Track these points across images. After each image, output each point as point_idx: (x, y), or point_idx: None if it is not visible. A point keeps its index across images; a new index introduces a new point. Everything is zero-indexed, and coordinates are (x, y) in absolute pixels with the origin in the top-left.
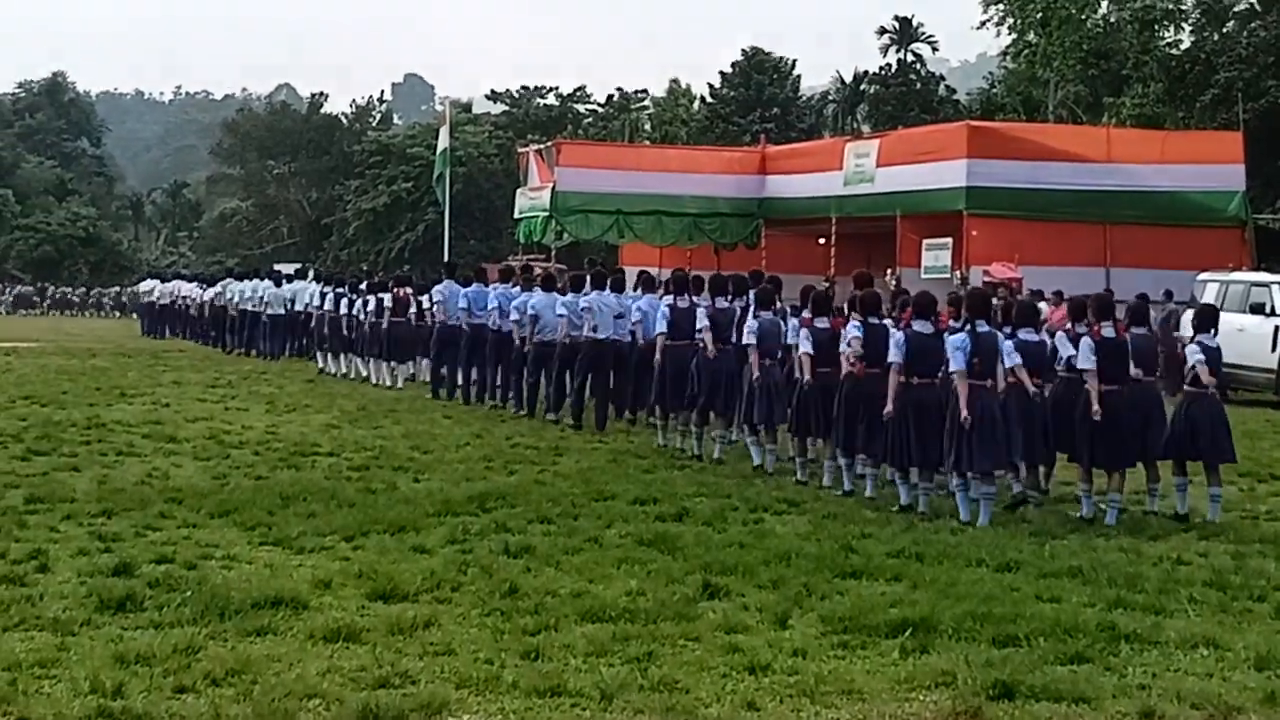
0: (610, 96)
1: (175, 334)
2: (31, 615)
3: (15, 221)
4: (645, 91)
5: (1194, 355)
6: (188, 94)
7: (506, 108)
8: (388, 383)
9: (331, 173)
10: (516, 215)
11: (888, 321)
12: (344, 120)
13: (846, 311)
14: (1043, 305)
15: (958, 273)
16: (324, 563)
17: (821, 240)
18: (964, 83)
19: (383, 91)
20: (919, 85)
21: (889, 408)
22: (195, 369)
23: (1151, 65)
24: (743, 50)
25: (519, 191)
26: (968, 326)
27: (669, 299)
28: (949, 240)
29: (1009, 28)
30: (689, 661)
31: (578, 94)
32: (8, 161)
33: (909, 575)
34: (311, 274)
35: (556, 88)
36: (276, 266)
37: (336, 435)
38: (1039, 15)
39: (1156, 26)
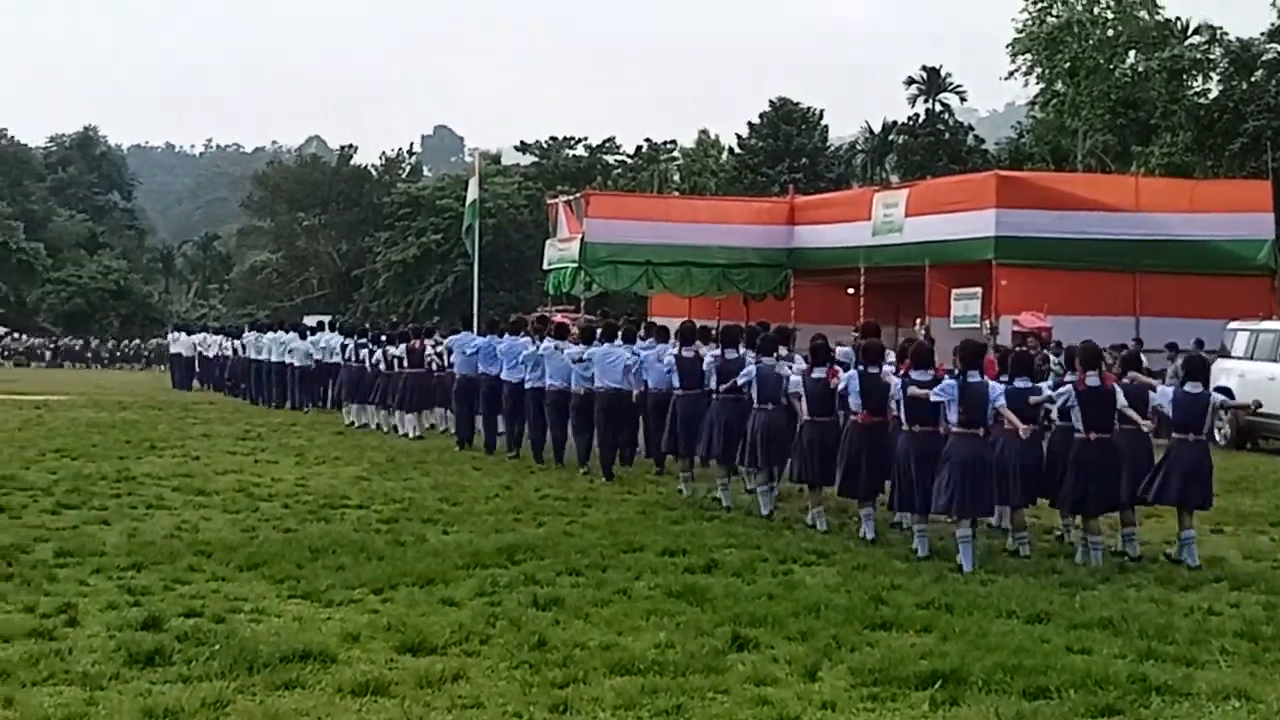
0: (639, 147)
1: (205, 386)
2: (61, 669)
3: (47, 275)
4: (674, 142)
5: (1162, 398)
6: (218, 147)
7: (535, 159)
8: (408, 432)
9: (361, 225)
10: (546, 266)
11: (888, 368)
12: (374, 172)
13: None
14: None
15: (987, 322)
16: (353, 615)
17: (850, 290)
18: (992, 132)
19: (412, 143)
20: (947, 135)
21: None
22: (225, 421)
23: (1180, 114)
24: (771, 101)
25: (548, 243)
26: (960, 376)
27: (675, 349)
28: (978, 290)
29: (1037, 77)
30: (718, 714)
31: (606, 145)
32: (40, 215)
33: (939, 627)
34: (328, 325)
35: (585, 139)
36: (306, 319)
37: (366, 487)
38: (1067, 65)
39: (1185, 76)
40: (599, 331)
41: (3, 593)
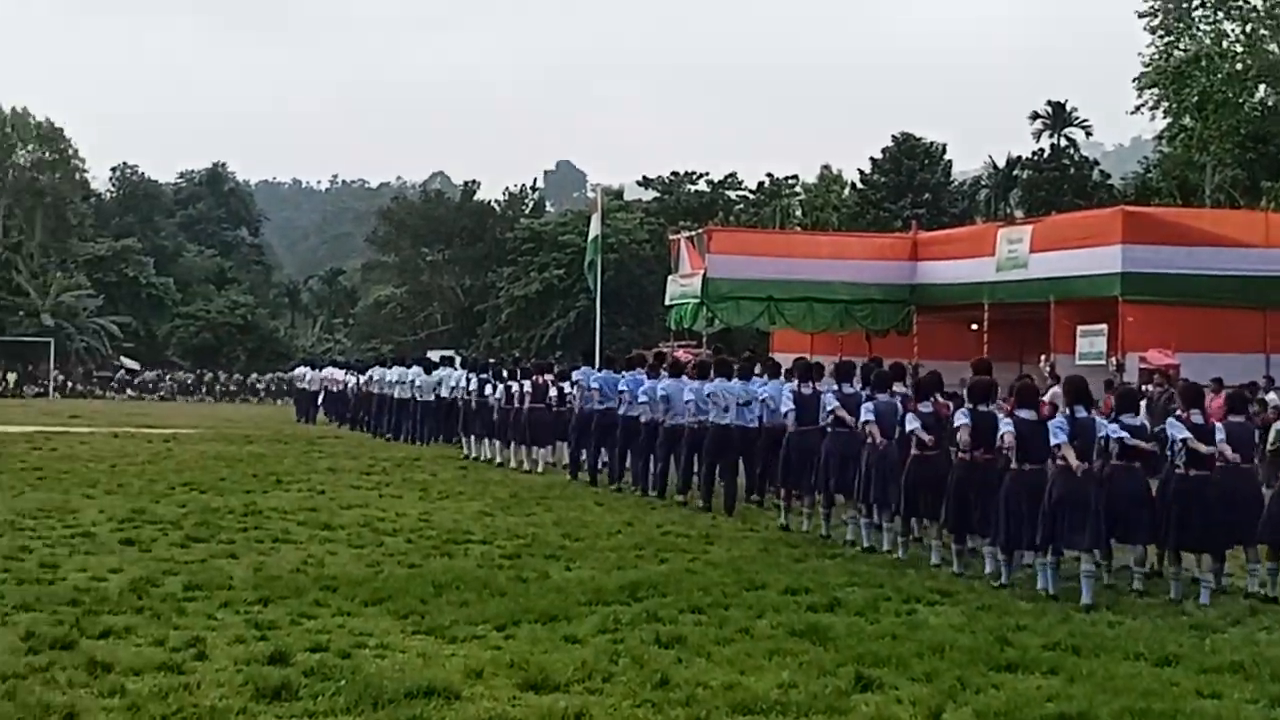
0: (761, 183)
1: (329, 420)
2: (189, 703)
3: (176, 309)
4: (796, 178)
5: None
6: (344, 182)
7: (657, 194)
8: (527, 467)
9: (484, 260)
10: (667, 302)
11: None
12: (497, 208)
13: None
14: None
15: (1113, 359)
16: (476, 652)
17: (974, 326)
18: (1119, 167)
19: (535, 179)
20: (1073, 170)
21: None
22: (350, 456)
23: None
24: (893, 136)
25: (670, 278)
26: (1067, 413)
27: (793, 385)
28: (1104, 326)
29: (1164, 111)
30: None
31: (728, 180)
32: (169, 250)
33: (1065, 668)
34: (455, 361)
35: (707, 174)
36: (429, 354)
37: (489, 523)
38: (1195, 99)
39: None
40: (713, 367)
41: (133, 626)
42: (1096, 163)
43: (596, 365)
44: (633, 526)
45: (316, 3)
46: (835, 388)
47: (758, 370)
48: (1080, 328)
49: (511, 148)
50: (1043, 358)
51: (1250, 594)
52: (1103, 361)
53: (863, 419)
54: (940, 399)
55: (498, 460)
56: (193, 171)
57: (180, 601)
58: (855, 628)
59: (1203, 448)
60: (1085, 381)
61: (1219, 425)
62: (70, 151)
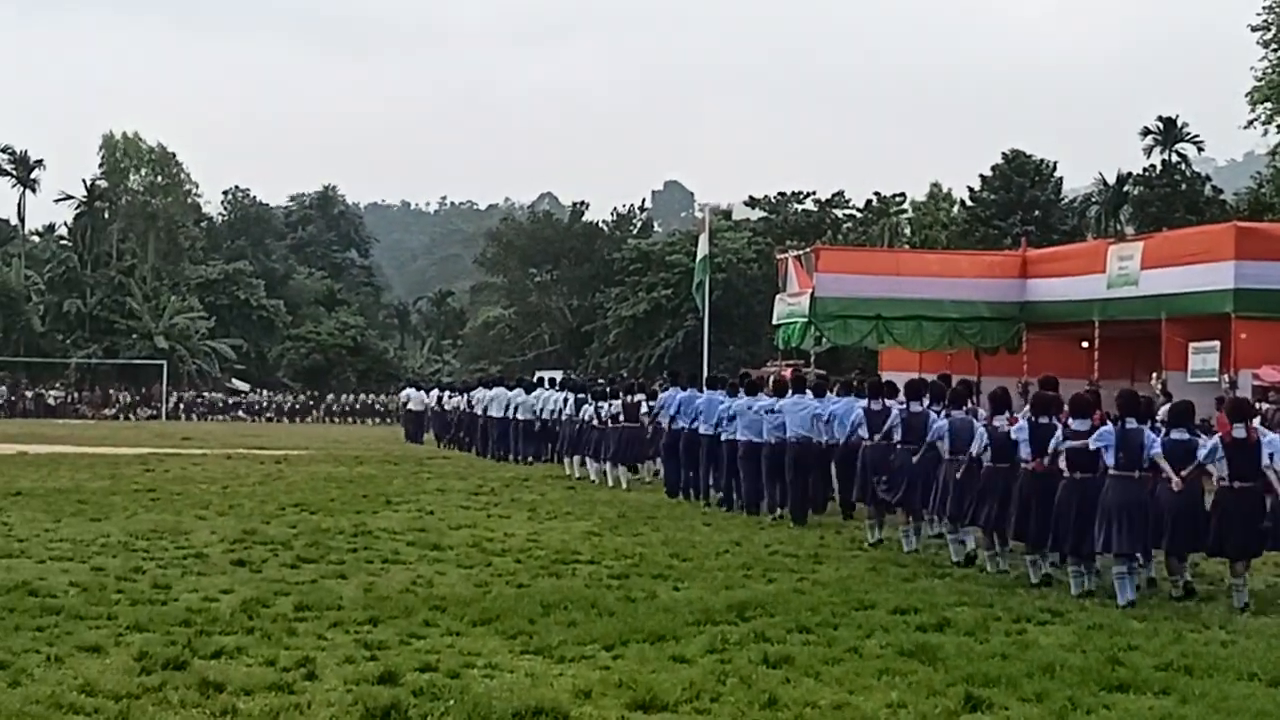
0: (868, 201)
1: (438, 441)
2: None
3: (287, 331)
4: (904, 195)
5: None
6: (452, 204)
7: (765, 214)
8: (622, 484)
9: (592, 280)
10: (775, 321)
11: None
12: (605, 228)
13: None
14: None
15: (1226, 376)
16: (584, 672)
17: (1085, 344)
18: (1231, 183)
19: (643, 199)
20: (1184, 186)
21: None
22: (458, 476)
23: None
24: (1003, 153)
25: (778, 297)
26: (1118, 424)
27: (864, 401)
28: (1216, 343)
29: (1278, 126)
30: None
31: (836, 199)
32: (280, 273)
33: (1178, 689)
34: (546, 381)
35: (814, 193)
36: (538, 374)
37: (597, 543)
38: None
39: None
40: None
41: (245, 646)
42: (1208, 178)
43: (702, 386)
44: (740, 546)
45: (417, 22)
46: (903, 405)
47: (833, 389)
48: (1192, 345)
49: (619, 168)
50: (1154, 375)
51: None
52: (1215, 379)
53: (931, 437)
54: (1013, 416)
55: (593, 479)
56: (303, 194)
57: (291, 622)
58: (964, 647)
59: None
60: (1136, 394)
61: (1263, 439)
62: (182, 175)
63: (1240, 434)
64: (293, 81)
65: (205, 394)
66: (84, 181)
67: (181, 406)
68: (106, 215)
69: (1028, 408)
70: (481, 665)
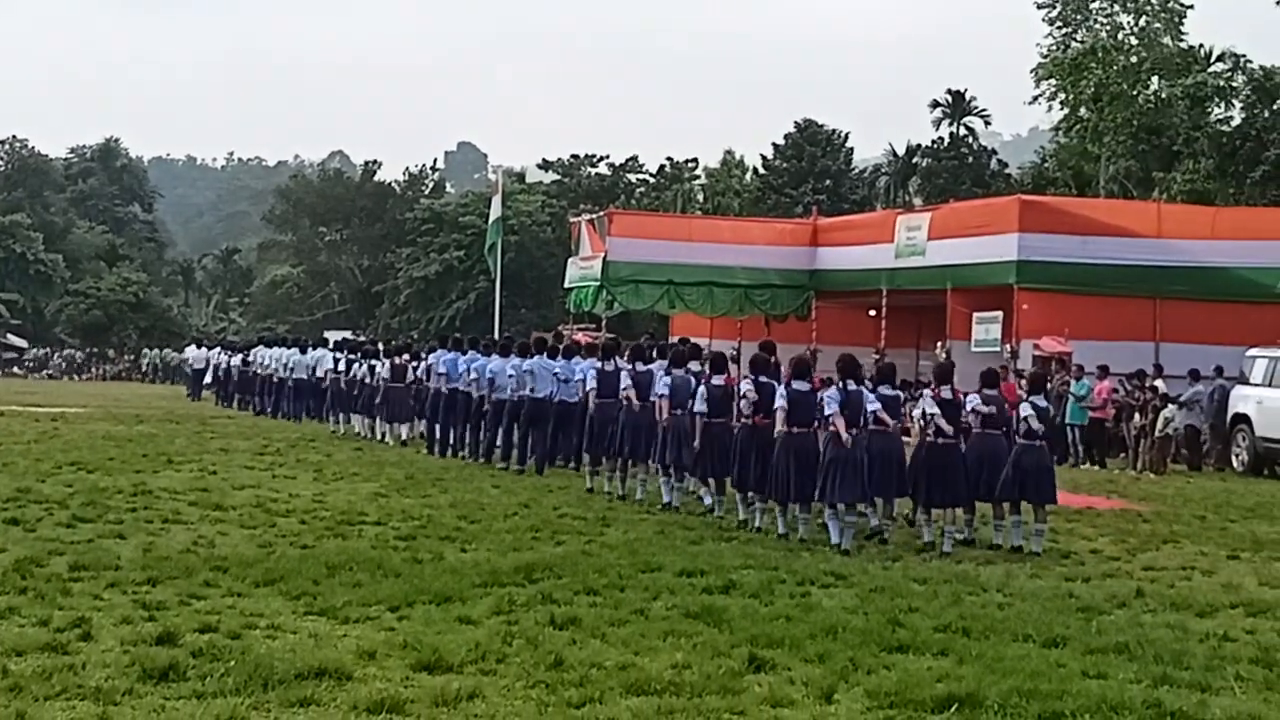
0: (662, 166)
1: (233, 402)
2: (74, 684)
3: (66, 286)
4: (696, 161)
5: (1025, 411)
6: (240, 160)
7: (558, 177)
8: (388, 440)
9: (383, 240)
10: (567, 285)
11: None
12: (396, 188)
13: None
14: (1086, 380)
15: (1008, 346)
16: (369, 633)
17: (872, 312)
18: (1016, 157)
19: (435, 160)
20: (971, 159)
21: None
22: (243, 436)
23: (1202, 141)
24: (795, 122)
25: (570, 261)
26: (841, 384)
27: (592, 362)
28: (999, 314)
29: (1061, 103)
30: None
31: (629, 164)
32: (59, 226)
33: (955, 650)
34: (332, 343)
35: (608, 157)
36: (326, 334)
37: (384, 504)
38: (1090, 91)
39: (1207, 103)
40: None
41: (16, 606)
42: (994, 152)
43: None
44: (529, 509)
45: None
46: (630, 366)
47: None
48: (976, 315)
49: (412, 128)
50: (939, 344)
51: (994, 545)
52: (998, 349)
53: (657, 393)
54: (731, 376)
55: (360, 433)
56: (84, 147)
57: (66, 582)
58: (749, 610)
59: (945, 425)
60: (855, 359)
61: (966, 398)
62: None
63: (947, 395)
64: (76, 31)
65: None
66: None
67: None
68: None
69: (748, 368)
70: (264, 626)
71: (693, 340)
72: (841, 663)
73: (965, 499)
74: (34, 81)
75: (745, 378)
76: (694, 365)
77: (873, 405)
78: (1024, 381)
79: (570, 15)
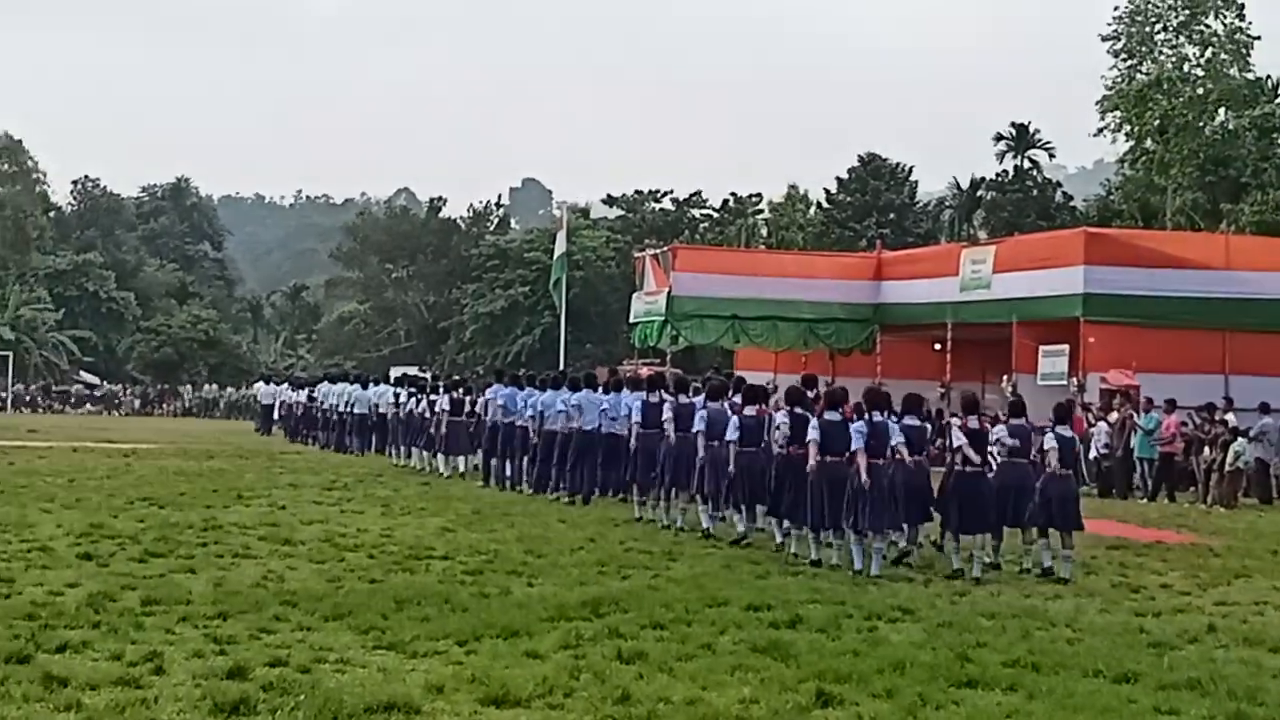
0: (726, 201)
1: (287, 436)
2: (147, 718)
3: (137, 324)
4: (760, 196)
5: (1049, 444)
6: (308, 198)
7: (623, 212)
8: (445, 472)
9: (449, 276)
10: (632, 320)
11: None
12: (462, 224)
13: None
14: (1154, 413)
15: (1074, 379)
16: (437, 667)
17: (937, 346)
18: (1081, 189)
19: (500, 196)
20: (1036, 191)
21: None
22: (312, 471)
23: (1270, 172)
24: (859, 156)
25: (635, 296)
26: (866, 416)
27: (638, 396)
28: (1066, 347)
29: (1126, 134)
30: None
31: (693, 199)
32: (131, 265)
33: (1025, 685)
34: (395, 379)
35: (672, 192)
36: (392, 370)
37: (451, 539)
38: (1156, 122)
39: (1275, 134)
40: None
41: (89, 640)
42: (1059, 185)
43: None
44: (595, 543)
45: (270, 15)
46: (674, 399)
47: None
48: (1042, 348)
49: (478, 165)
50: (1004, 377)
51: (1024, 570)
52: (1064, 381)
53: (695, 427)
54: (763, 407)
55: (420, 467)
56: (155, 186)
57: (138, 616)
58: (817, 644)
59: (973, 454)
60: (879, 391)
61: (995, 429)
62: (30, 164)
63: (974, 424)
64: (146, 72)
65: (53, 386)
66: None
67: (27, 398)
68: None
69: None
70: (333, 660)
71: (750, 375)
72: (910, 698)
73: (994, 526)
74: (106, 123)
75: (780, 409)
76: (736, 399)
77: (896, 438)
78: (1091, 413)
79: (633, 50)
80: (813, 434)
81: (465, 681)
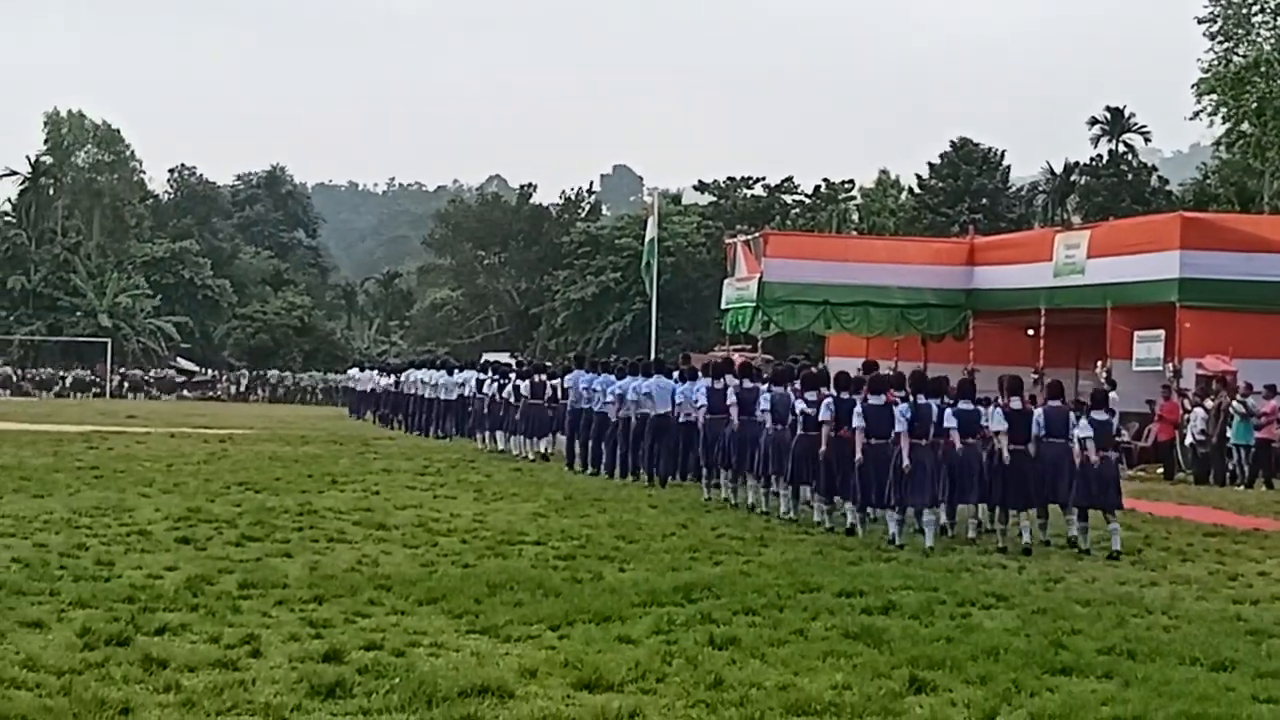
0: (817, 187)
1: (389, 423)
2: (244, 700)
3: (233, 310)
4: (852, 182)
5: (1083, 432)
6: (401, 185)
7: (714, 198)
8: (529, 456)
9: (540, 263)
10: (723, 306)
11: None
12: (553, 211)
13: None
14: (1252, 399)
15: (1170, 365)
16: (530, 651)
17: (1030, 332)
18: (1177, 173)
19: (591, 182)
20: (1130, 176)
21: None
22: (405, 456)
23: None
24: (951, 141)
25: (726, 282)
26: (911, 399)
27: (706, 381)
28: (1161, 332)
29: (1223, 117)
30: None
31: (785, 185)
32: (226, 252)
33: (1120, 672)
34: (486, 364)
35: (764, 178)
36: (485, 356)
37: (543, 524)
38: (1254, 105)
39: None
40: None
41: (188, 623)
42: (1155, 169)
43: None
44: (687, 529)
45: (363, 5)
46: (738, 383)
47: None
48: (1138, 333)
49: (568, 151)
50: (1099, 363)
51: (1070, 541)
52: (1160, 367)
53: (761, 408)
54: (823, 390)
55: (502, 449)
56: (250, 174)
57: (235, 599)
58: (909, 630)
59: (1005, 442)
60: (923, 374)
61: (1036, 410)
62: (128, 153)
63: (1016, 405)
64: (240, 62)
65: (150, 372)
66: (28, 158)
67: (125, 385)
68: (51, 192)
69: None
70: (427, 644)
71: (842, 361)
72: (1004, 685)
73: (1038, 502)
74: (203, 112)
75: (829, 395)
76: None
77: (949, 423)
78: (1187, 399)
79: (726, 37)
80: (858, 422)
81: (558, 666)
